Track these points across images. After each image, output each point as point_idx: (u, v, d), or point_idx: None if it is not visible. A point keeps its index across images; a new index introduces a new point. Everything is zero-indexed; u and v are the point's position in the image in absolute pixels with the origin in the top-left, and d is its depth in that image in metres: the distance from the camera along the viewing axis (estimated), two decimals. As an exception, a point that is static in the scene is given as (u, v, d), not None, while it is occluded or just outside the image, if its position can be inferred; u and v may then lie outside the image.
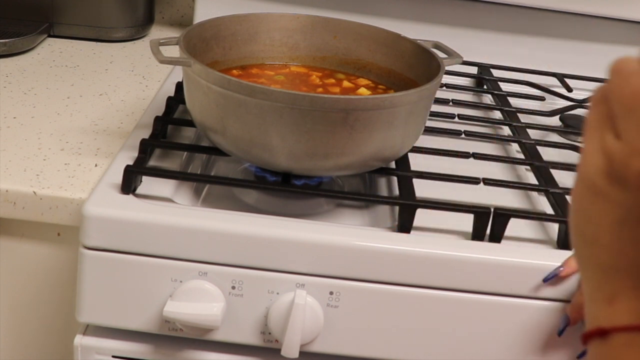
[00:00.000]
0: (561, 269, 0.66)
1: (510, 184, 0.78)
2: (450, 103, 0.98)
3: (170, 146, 0.79)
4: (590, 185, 0.42)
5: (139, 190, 0.71)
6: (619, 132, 0.40)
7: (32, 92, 0.94)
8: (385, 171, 0.76)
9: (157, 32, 1.22)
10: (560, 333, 0.67)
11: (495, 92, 1.04)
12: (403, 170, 0.76)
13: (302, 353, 0.66)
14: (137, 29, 1.16)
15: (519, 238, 0.71)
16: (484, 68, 1.12)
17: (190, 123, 0.78)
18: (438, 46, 0.82)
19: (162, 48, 0.72)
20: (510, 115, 0.96)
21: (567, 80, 1.10)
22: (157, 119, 0.80)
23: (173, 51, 0.74)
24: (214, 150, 0.74)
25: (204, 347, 0.70)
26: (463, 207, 0.71)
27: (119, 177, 0.70)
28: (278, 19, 0.86)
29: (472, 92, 1.08)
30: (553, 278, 0.66)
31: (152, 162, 0.77)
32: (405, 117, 0.70)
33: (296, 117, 0.65)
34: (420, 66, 0.80)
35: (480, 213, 0.69)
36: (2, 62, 1.02)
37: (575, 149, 0.89)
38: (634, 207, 0.40)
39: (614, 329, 0.41)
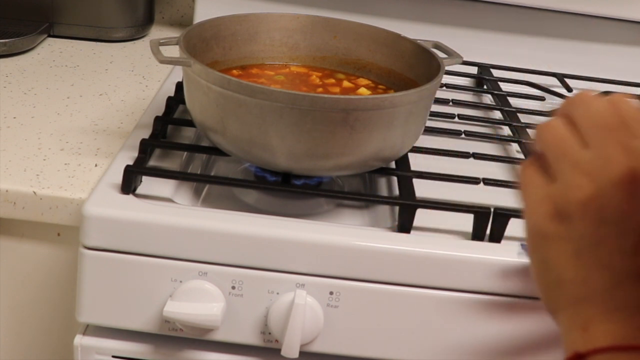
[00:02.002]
0: None
1: (510, 184, 0.78)
2: (450, 103, 0.98)
3: (170, 146, 0.79)
4: (541, 234, 0.46)
5: (139, 190, 0.71)
6: (554, 176, 0.46)
7: (32, 92, 0.94)
8: (385, 171, 0.76)
9: (157, 32, 1.22)
10: None
11: (495, 92, 1.04)
12: (403, 170, 0.76)
13: (302, 353, 0.66)
14: (137, 29, 1.16)
15: (519, 238, 0.71)
16: (484, 68, 1.12)
17: (190, 123, 0.78)
18: (438, 46, 0.82)
19: (162, 48, 0.72)
20: (510, 115, 0.96)
21: (567, 80, 1.10)
22: (157, 119, 0.80)
23: (173, 51, 0.74)
24: (214, 150, 0.74)
25: (204, 347, 0.70)
26: (463, 207, 0.71)
27: (119, 177, 0.70)
28: (278, 19, 0.86)
29: (472, 92, 1.08)
30: None
31: (152, 162, 0.77)
32: (405, 117, 0.70)
33: (296, 117, 0.65)
34: (420, 66, 0.80)
35: (480, 213, 0.69)
36: (2, 62, 1.02)
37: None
38: (584, 235, 0.44)
39: (589, 352, 0.44)
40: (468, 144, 0.89)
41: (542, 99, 1.06)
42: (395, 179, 0.78)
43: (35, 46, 1.08)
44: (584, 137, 0.45)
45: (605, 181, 0.44)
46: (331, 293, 0.67)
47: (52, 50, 1.09)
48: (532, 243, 0.48)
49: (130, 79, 1.02)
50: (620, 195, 0.43)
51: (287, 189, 0.71)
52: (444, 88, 1.05)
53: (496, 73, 1.11)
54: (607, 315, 0.44)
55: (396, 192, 0.76)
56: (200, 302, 0.66)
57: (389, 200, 0.74)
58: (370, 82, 0.86)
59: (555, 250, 0.46)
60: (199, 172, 0.80)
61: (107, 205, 0.67)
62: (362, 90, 0.83)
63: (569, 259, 0.45)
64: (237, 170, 0.80)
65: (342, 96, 0.75)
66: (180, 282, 0.67)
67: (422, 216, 0.70)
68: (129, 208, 0.67)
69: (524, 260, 0.67)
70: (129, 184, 0.69)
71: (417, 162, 0.78)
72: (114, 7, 1.13)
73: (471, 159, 0.82)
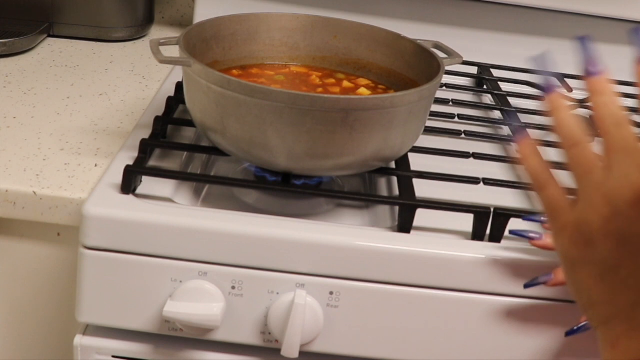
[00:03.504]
0: (550, 277, 0.66)
1: (510, 184, 0.78)
2: (450, 103, 0.98)
3: (170, 146, 0.79)
4: (569, 258, 0.49)
5: (139, 191, 0.71)
6: (577, 198, 0.48)
7: (32, 92, 0.94)
8: (385, 171, 0.76)
9: (157, 32, 1.22)
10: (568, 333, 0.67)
11: (495, 92, 1.04)
12: (403, 170, 0.76)
13: (302, 353, 0.66)
14: (137, 29, 1.16)
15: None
16: (484, 68, 1.12)
17: (190, 123, 0.78)
18: (438, 46, 0.82)
19: (162, 48, 0.72)
20: (510, 115, 0.96)
21: (567, 80, 1.09)
22: (157, 119, 0.80)
23: (173, 51, 0.74)
24: (214, 150, 0.74)
25: (204, 347, 0.70)
26: (463, 207, 0.71)
27: (119, 177, 0.70)
28: (278, 19, 0.86)
29: (472, 92, 1.08)
30: (536, 286, 0.67)
31: (152, 162, 0.77)
32: (405, 117, 0.70)
33: (296, 117, 0.65)
34: (420, 66, 0.80)
35: (480, 213, 0.69)
36: (2, 62, 1.02)
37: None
38: (606, 258, 0.47)
39: None
40: (468, 144, 0.89)
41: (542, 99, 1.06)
42: (395, 179, 0.78)
43: (35, 46, 1.08)
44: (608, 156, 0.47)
45: (621, 202, 0.45)
46: (331, 293, 0.67)
47: (52, 50, 1.09)
48: (564, 266, 0.50)
49: (130, 79, 1.02)
50: (634, 215, 0.45)
51: (287, 189, 0.71)
52: (444, 88, 1.05)
53: (496, 73, 1.11)
54: (631, 333, 0.46)
55: (396, 192, 0.76)
56: (200, 302, 0.66)
57: (389, 200, 0.74)
58: (370, 82, 0.86)
59: (583, 274, 0.48)
60: (199, 172, 0.80)
61: (107, 205, 0.67)
62: (362, 90, 0.83)
63: (596, 282, 0.47)
64: (237, 170, 0.80)
65: (342, 96, 0.75)
66: (180, 282, 0.67)
67: (422, 216, 0.70)
68: (129, 208, 0.67)
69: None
70: (129, 184, 0.69)
71: (417, 162, 0.78)
72: (114, 7, 1.13)
73: (471, 159, 0.82)
